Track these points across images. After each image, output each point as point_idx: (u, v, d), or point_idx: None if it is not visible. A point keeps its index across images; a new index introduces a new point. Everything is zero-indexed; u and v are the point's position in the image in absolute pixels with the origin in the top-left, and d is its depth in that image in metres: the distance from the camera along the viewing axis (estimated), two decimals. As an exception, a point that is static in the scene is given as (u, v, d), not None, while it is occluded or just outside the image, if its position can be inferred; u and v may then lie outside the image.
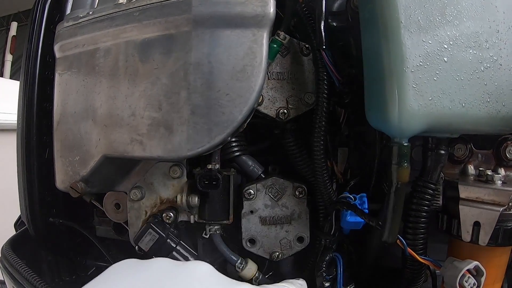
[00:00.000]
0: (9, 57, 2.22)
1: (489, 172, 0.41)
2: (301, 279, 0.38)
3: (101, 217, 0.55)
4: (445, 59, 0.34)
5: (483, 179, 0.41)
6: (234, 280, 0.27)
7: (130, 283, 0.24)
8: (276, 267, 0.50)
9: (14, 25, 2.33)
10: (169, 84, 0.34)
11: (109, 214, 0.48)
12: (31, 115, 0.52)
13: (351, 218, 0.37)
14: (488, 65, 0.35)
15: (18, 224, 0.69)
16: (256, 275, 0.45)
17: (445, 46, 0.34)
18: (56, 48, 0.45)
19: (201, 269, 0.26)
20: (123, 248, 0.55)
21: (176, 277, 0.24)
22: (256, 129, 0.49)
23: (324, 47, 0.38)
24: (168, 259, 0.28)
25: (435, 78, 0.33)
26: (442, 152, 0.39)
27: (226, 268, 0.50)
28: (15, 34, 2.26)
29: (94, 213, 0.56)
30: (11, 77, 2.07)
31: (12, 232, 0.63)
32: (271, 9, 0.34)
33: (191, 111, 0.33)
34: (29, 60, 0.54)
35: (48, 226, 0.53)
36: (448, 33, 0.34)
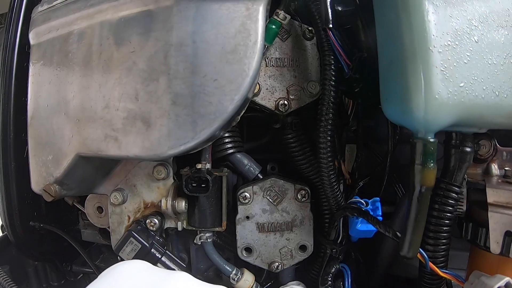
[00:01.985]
0: (5, 54, 2.19)
1: (518, 173, 0.35)
2: (301, 284, 0.34)
3: (87, 220, 0.51)
4: (475, 38, 0.28)
5: (511, 181, 0.36)
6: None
7: None
8: (275, 278, 0.45)
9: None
10: (147, 69, 0.29)
11: (92, 219, 0.44)
12: (8, 111, 0.48)
13: (362, 227, 0.32)
14: (522, 49, 0.29)
15: (2, 227, 0.65)
16: (253, 286, 0.41)
17: (475, 23, 0.29)
18: (30, 35, 0.41)
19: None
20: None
21: None
22: (253, 123, 0.44)
23: (331, 26, 0.33)
24: (187, 277, 0.24)
25: (465, 61, 0.28)
26: (468, 149, 0.33)
27: (222, 277, 0.46)
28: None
29: (79, 216, 0.52)
30: None
31: (-2, 235, 0.59)
32: (268, -22, 0.28)
33: (172, 101, 0.28)
34: (7, 51, 0.49)
35: (28, 231, 0.49)
36: (477, 8, 0.29)
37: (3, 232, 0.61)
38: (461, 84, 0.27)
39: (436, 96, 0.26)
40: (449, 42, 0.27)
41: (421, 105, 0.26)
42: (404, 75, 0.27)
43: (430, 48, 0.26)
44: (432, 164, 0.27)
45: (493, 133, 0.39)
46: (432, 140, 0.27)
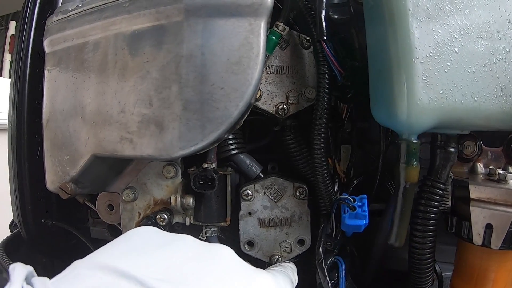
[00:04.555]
0: (8, 57, 2.21)
1: (500, 171, 0.38)
2: (291, 263, 0.37)
3: (96, 218, 0.53)
4: (456, 49, 0.31)
5: (494, 178, 0.39)
6: (252, 267, 0.26)
7: (151, 256, 0.22)
8: (276, 271, 0.48)
9: (12, 24, 2.32)
10: (160, 78, 0.32)
11: (102, 216, 0.46)
12: (22, 113, 0.50)
13: (350, 221, 0.35)
14: (501, 57, 0.33)
15: (13, 225, 0.67)
16: (255, 279, 0.43)
17: (456, 36, 0.32)
18: (45, 43, 0.44)
19: (222, 253, 0.25)
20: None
21: (198, 259, 0.23)
22: (255, 126, 0.47)
23: (325, 38, 0.36)
24: (192, 238, 0.26)
25: (445, 70, 0.31)
26: (452, 149, 0.36)
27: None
28: (14, 33, 2.25)
29: (89, 214, 0.54)
30: (10, 77, 2.05)
31: (8, 233, 0.62)
32: (269, -4, 0.31)
33: (183, 107, 0.31)
34: (20, 56, 0.52)
35: (41, 228, 0.52)
36: (459, 22, 0.32)
37: (11, 232, 0.64)
38: (441, 91, 0.30)
39: (418, 102, 0.29)
40: (430, 54, 0.30)
41: (404, 110, 0.29)
42: (390, 83, 0.30)
43: (413, 59, 0.30)
44: (415, 163, 0.30)
45: (479, 134, 0.42)
46: (415, 141, 0.30)
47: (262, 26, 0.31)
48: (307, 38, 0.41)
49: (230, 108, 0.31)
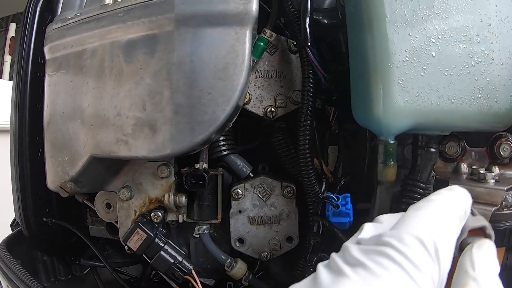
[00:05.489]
0: (8, 58, 2.24)
1: (481, 171, 0.40)
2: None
3: (94, 217, 0.55)
4: (433, 53, 0.33)
5: (475, 178, 0.40)
6: None
7: None
8: (266, 268, 0.50)
9: (12, 26, 2.35)
10: (153, 84, 0.34)
11: (100, 214, 0.48)
12: (23, 116, 0.52)
13: (334, 219, 0.36)
14: (479, 60, 0.34)
15: (14, 224, 0.69)
16: (246, 274, 0.45)
17: (433, 40, 0.33)
18: (45, 49, 0.46)
19: None
20: (118, 247, 0.55)
21: None
22: (246, 128, 0.49)
23: (309, 44, 0.37)
24: None
25: (422, 74, 0.32)
26: (433, 150, 0.38)
27: (218, 269, 0.50)
28: (13, 35, 2.28)
29: (87, 213, 0.56)
30: (10, 79, 2.09)
31: (9, 232, 0.64)
32: (254, 6, 0.33)
33: (174, 111, 0.33)
34: (21, 62, 0.54)
35: (42, 226, 0.54)
36: (437, 27, 0.33)
37: (12, 231, 0.66)
38: (417, 94, 0.32)
39: (394, 105, 0.31)
40: (407, 58, 0.32)
41: (380, 112, 0.31)
42: (368, 87, 0.32)
43: (390, 64, 0.31)
44: (392, 162, 0.32)
45: (463, 135, 0.44)
46: (391, 142, 0.32)
47: (247, 35, 0.33)
48: (295, 43, 0.43)
49: (217, 112, 0.33)
